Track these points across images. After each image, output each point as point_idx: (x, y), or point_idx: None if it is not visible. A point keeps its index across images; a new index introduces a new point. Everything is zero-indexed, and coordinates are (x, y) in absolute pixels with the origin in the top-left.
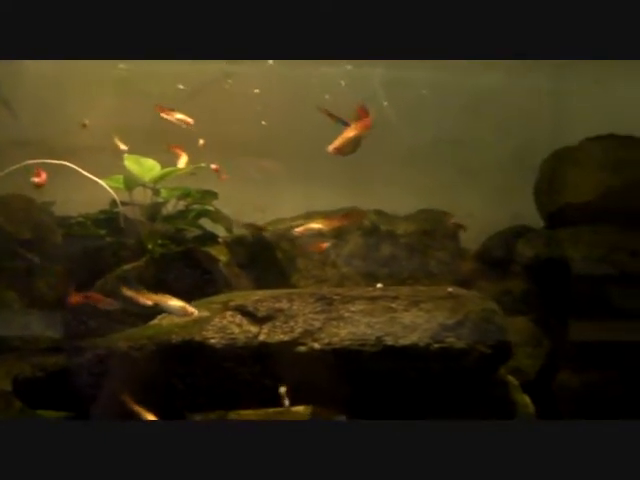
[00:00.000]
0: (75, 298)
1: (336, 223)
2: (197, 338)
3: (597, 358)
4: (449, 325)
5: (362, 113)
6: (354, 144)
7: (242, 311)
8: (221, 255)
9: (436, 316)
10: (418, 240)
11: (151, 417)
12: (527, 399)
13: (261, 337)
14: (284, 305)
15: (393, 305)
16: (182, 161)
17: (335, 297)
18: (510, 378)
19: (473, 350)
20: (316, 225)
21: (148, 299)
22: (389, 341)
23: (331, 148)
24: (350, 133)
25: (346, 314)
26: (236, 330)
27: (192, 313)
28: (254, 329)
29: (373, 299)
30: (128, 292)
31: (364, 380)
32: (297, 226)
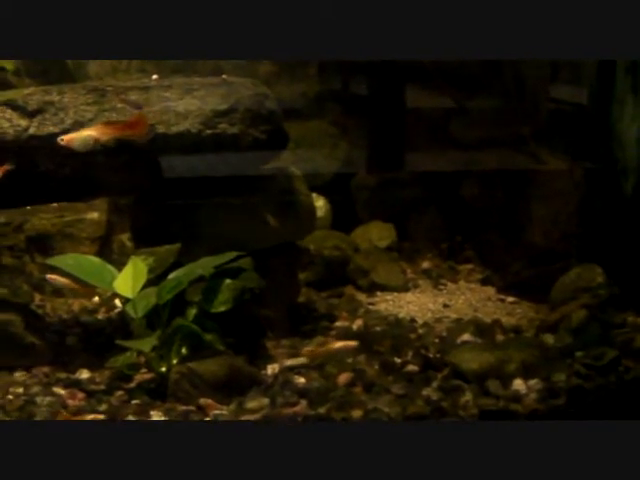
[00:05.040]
0: None
1: (115, 132)
2: None
3: (392, 159)
4: (221, 111)
5: None
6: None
7: (12, 106)
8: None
9: (209, 103)
10: None
11: None
12: (320, 198)
13: (31, 130)
14: (55, 98)
15: (167, 94)
16: None
17: (108, 88)
18: (293, 169)
19: (246, 135)
20: (90, 132)
21: None
22: (161, 129)
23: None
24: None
25: (119, 105)
26: (6, 125)
27: None
28: (24, 123)
29: (147, 89)
30: None
31: (138, 167)
32: None
